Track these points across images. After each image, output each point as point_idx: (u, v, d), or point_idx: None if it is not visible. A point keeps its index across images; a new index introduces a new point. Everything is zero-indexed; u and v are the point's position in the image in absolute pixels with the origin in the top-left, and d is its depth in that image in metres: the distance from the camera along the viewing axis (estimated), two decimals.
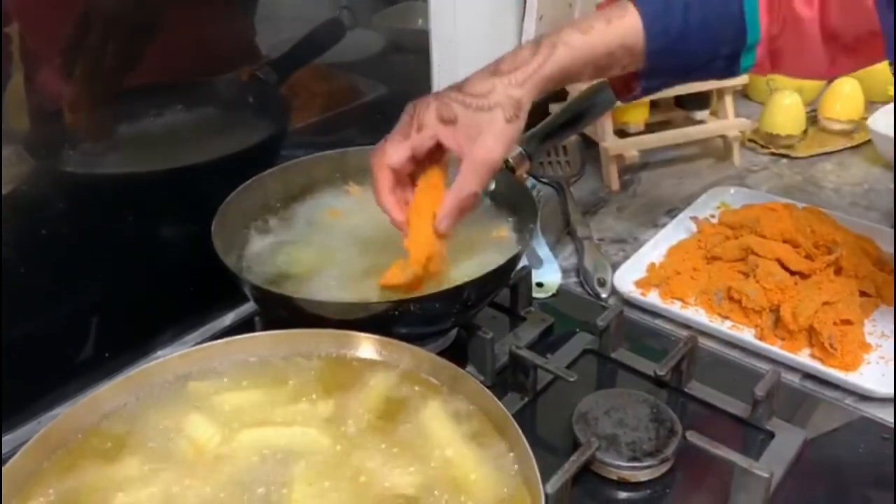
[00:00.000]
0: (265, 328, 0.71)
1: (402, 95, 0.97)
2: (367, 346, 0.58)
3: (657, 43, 0.64)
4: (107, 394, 0.55)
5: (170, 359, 0.58)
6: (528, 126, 0.83)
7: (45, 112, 0.65)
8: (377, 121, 0.95)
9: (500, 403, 0.52)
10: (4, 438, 0.65)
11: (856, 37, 0.67)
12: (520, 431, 0.50)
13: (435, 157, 0.63)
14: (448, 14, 0.97)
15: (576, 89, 1.02)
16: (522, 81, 0.61)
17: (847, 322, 0.74)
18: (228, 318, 0.81)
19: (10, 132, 0.62)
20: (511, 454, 0.51)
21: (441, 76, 0.98)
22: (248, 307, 0.81)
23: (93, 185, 0.71)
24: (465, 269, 0.67)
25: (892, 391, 0.68)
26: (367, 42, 0.93)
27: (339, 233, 0.75)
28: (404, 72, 0.97)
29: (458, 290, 0.61)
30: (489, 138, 0.59)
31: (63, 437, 0.52)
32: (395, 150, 0.61)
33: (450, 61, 0.99)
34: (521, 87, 0.61)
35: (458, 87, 0.62)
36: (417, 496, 0.49)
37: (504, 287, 0.72)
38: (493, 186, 0.77)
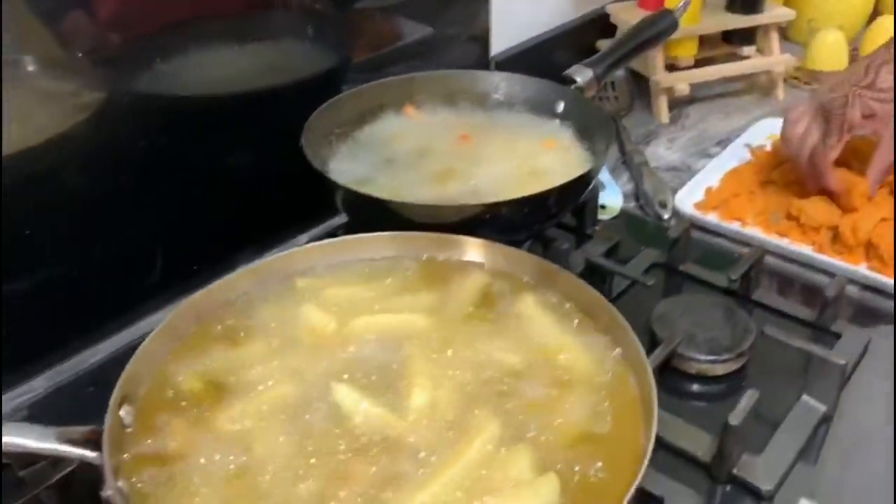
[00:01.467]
0: None
1: (459, 32, 1.00)
2: (462, 247, 0.61)
3: None
4: (221, 287, 0.58)
5: (275, 258, 0.61)
6: (586, 55, 0.86)
7: (120, 34, 0.66)
8: (435, 56, 0.98)
9: (595, 291, 0.56)
10: (111, 340, 0.69)
11: None
12: (619, 314, 0.53)
13: None
14: None
15: (626, 24, 1.04)
16: None
17: None
18: (303, 239, 0.84)
19: (92, 50, 0.64)
20: (608, 338, 0.54)
21: (499, 15, 1.00)
22: (322, 229, 0.84)
23: (173, 107, 0.73)
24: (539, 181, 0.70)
25: None
26: None
27: (408, 147, 0.79)
28: (462, 11, 0.99)
29: (545, 195, 0.64)
30: None
31: (186, 327, 0.56)
32: (835, 151, 0.80)
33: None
34: None
35: (868, 85, 0.79)
36: (522, 372, 0.52)
37: (579, 200, 0.75)
38: (561, 108, 0.80)
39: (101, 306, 0.70)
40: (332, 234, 0.81)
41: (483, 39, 1.02)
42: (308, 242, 0.83)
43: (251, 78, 0.78)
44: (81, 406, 0.59)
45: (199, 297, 0.57)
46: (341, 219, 0.84)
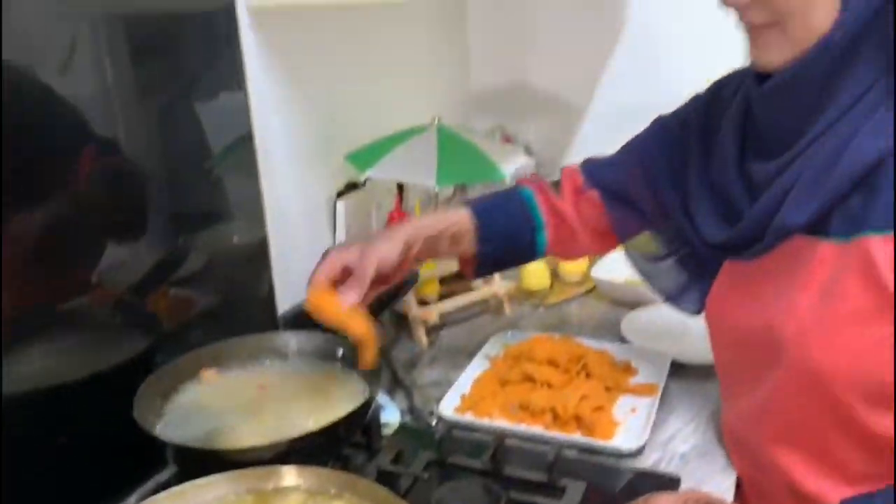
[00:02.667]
0: None
1: (249, 297, 1.23)
2: (280, 475, 0.79)
3: (483, 232, 1.01)
4: None
5: None
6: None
7: None
8: (233, 320, 1.18)
9: (388, 491, 0.76)
10: None
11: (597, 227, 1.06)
12: None
13: None
14: (280, 227, 1.26)
15: None
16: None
17: (600, 408, 1.07)
18: (133, 498, 0.96)
19: None
20: None
21: (278, 274, 1.25)
22: (150, 484, 0.97)
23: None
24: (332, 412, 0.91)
25: (635, 447, 1.01)
26: (213, 255, 1.17)
27: (219, 403, 0.97)
28: (249, 276, 1.23)
29: (336, 424, 0.85)
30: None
31: None
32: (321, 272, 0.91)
33: (284, 263, 1.27)
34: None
35: None
36: None
37: (364, 422, 0.97)
38: (341, 353, 1.04)
39: None
40: (161, 485, 0.94)
41: (270, 301, 1.25)
42: (139, 500, 0.97)
43: (70, 369, 0.93)
44: None
45: None
46: (168, 472, 0.97)
